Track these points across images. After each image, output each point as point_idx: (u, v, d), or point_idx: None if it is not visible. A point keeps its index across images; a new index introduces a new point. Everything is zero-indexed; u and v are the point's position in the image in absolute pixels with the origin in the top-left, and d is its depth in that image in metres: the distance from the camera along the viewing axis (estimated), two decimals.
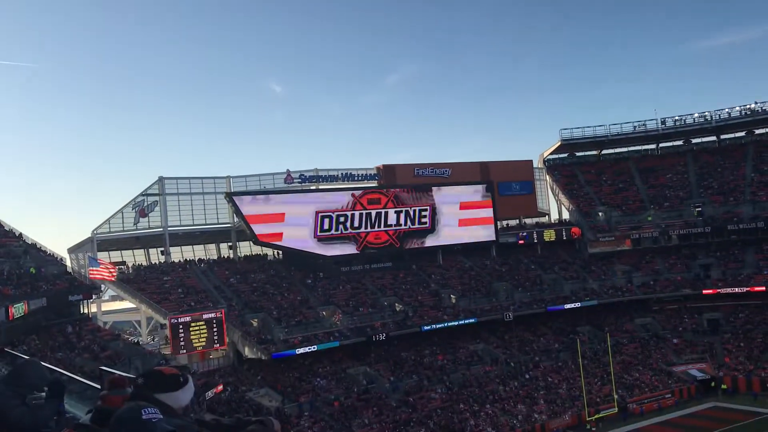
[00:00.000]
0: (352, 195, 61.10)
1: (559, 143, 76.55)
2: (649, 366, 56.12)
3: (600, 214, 72.72)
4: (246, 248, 61.93)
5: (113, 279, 49.02)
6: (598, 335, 59.61)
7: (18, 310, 31.14)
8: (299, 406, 45.15)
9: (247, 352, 47.73)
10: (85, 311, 44.63)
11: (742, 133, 76.19)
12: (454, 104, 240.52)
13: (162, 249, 57.85)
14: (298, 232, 57.86)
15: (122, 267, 54.29)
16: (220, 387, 42.87)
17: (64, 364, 27.22)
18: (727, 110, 72.29)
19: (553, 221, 75.96)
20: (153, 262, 58.00)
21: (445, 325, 55.04)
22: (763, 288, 58.42)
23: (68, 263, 50.31)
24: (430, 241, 64.61)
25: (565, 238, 70.28)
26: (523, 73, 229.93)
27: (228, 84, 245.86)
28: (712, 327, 60.56)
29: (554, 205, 77.66)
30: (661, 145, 79.50)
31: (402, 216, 62.86)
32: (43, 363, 4.93)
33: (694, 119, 73.70)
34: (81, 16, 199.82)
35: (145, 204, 55.83)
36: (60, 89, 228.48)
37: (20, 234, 44.30)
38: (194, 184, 58.52)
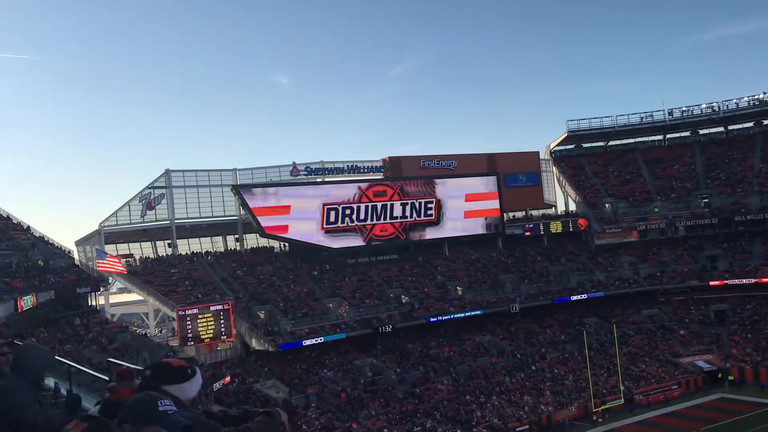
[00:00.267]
0: (358, 187, 61.13)
1: (566, 134, 76.24)
2: (656, 357, 56.03)
3: (607, 205, 72.46)
4: (252, 240, 62.10)
5: (122, 272, 49.21)
6: (605, 327, 59.55)
7: (26, 302, 31.34)
8: (306, 397, 45.33)
9: (255, 344, 47.92)
10: (93, 303, 44.84)
11: (750, 124, 75.66)
12: (460, 96, 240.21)
13: (169, 241, 58.08)
14: (304, 225, 57.97)
15: (129, 259, 54.51)
16: (228, 378, 43.11)
17: (72, 356, 27.38)
18: (735, 101, 71.79)
19: (559, 213, 75.77)
20: (160, 255, 58.26)
21: (452, 317, 55.09)
22: None
23: (76, 256, 50.59)
24: (436, 233, 64.60)
25: (571, 229, 70.10)
26: (529, 64, 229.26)
27: (235, 77, 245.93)
28: (719, 318, 60.39)
29: (561, 197, 77.55)
30: (668, 136, 79.09)
31: (408, 208, 62.85)
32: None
33: (701, 110, 73.24)
34: (87, 9, 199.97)
35: (152, 197, 55.99)
36: (67, 83, 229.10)
37: (28, 227, 44.51)
38: (201, 177, 58.64)
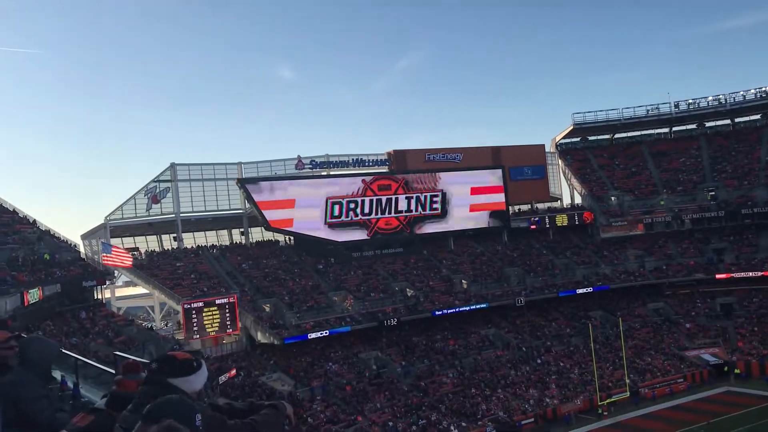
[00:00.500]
0: (363, 181, 61.11)
1: (572, 127, 75.98)
2: (662, 351, 55.95)
3: (612, 198, 72.28)
4: (258, 234, 62.17)
5: (129, 266, 49.31)
6: (610, 320, 59.48)
7: (33, 295, 31.44)
8: (311, 390, 45.45)
9: (260, 337, 48.05)
10: (99, 297, 44.98)
11: (757, 116, 75.27)
12: (465, 89, 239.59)
13: (174, 235, 58.17)
14: (309, 218, 58.02)
15: (135, 253, 54.63)
16: (234, 371, 43.23)
17: (78, 350, 27.50)
18: (741, 93, 71.44)
19: (565, 206, 75.57)
20: (166, 248, 58.37)
21: (457, 310, 55.10)
22: None
23: (82, 249, 50.70)
24: (441, 227, 64.56)
25: (577, 222, 69.95)
26: (535, 57, 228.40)
27: (239, 70, 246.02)
28: (726, 311, 60.23)
29: (566, 190, 77.38)
30: (674, 128, 78.76)
31: (413, 202, 62.82)
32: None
33: (708, 102, 72.93)
34: (92, 3, 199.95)
35: (158, 190, 56.09)
36: (73, 77, 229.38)
37: (34, 221, 44.64)
38: (206, 171, 58.68)
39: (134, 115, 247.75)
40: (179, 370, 3.11)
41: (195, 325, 45.82)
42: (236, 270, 55.71)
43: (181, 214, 57.06)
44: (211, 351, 46.56)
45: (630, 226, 68.58)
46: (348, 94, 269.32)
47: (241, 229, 61.50)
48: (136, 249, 56.41)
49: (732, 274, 60.40)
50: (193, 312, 45.93)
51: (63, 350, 6.91)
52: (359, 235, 60.59)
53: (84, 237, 56.36)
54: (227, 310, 46.98)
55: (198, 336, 46.05)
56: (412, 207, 62.79)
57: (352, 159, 63.55)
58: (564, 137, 78.43)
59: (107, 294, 53.54)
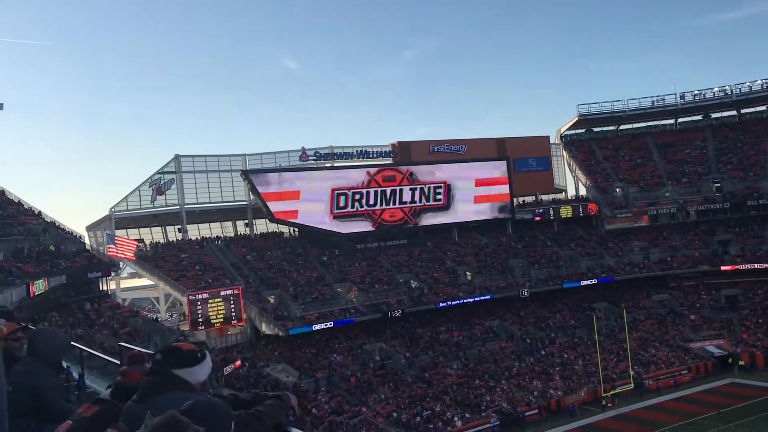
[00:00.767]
0: (367, 172, 61.09)
1: (577, 119, 75.77)
2: (666, 342, 55.94)
3: (617, 190, 72.08)
4: (262, 226, 62.19)
5: (132, 258, 49.45)
6: (615, 311, 59.47)
7: (38, 287, 31.53)
8: (316, 381, 45.60)
9: (264, 329, 48.19)
10: (104, 288, 45.10)
11: (763, 107, 74.86)
12: (470, 80, 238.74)
13: (179, 226, 58.30)
14: (313, 210, 58.07)
15: (140, 244, 54.75)
16: (238, 363, 43.37)
17: (84, 341, 27.61)
18: (747, 84, 71.07)
19: (569, 197, 75.41)
20: (170, 240, 58.51)
21: (461, 301, 55.15)
22: None
23: (87, 241, 50.85)
24: (445, 218, 64.54)
25: (581, 214, 69.81)
26: (539, 48, 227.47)
27: (243, 61, 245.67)
28: (731, 303, 60.15)
29: (571, 182, 77.22)
30: (679, 119, 78.46)
31: (417, 193, 62.78)
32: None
33: (713, 93, 72.62)
34: None
35: (162, 182, 56.16)
36: (78, 68, 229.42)
37: (39, 212, 44.72)
38: (210, 162, 58.71)
39: (139, 107, 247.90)
40: (184, 360, 3.11)
41: (200, 316, 45.98)
42: (241, 261, 55.83)
43: (186, 206, 57.13)
44: (216, 342, 46.72)
45: (635, 217, 68.43)
46: (352, 85, 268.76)
47: (246, 221, 61.57)
48: (141, 240, 56.54)
49: (737, 266, 60.28)
50: (198, 303, 46.08)
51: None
52: (364, 226, 60.62)
53: (89, 228, 56.53)
54: (232, 302, 47.11)
55: (203, 327, 46.20)
56: (417, 199, 62.75)
57: (357, 150, 63.47)
58: (569, 128, 78.21)
59: (112, 285, 53.60)
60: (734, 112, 76.25)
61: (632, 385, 48.51)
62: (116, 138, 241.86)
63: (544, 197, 73.75)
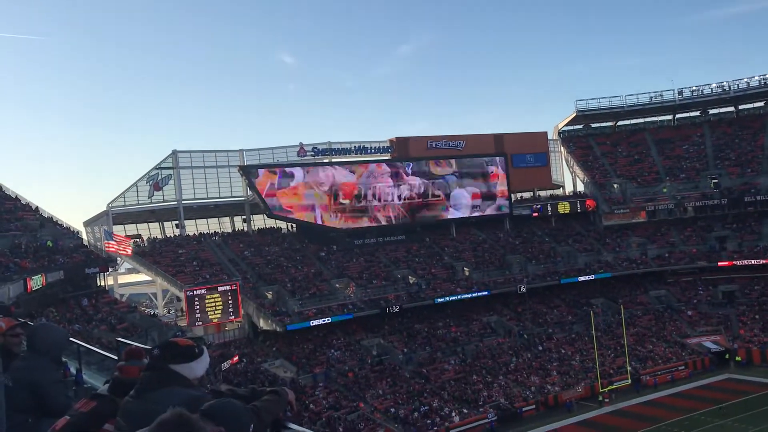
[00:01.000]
0: (365, 168, 61.04)
1: (575, 114, 75.75)
2: (663, 338, 56.04)
3: (615, 185, 72.13)
4: (260, 221, 62.23)
5: (129, 254, 49.38)
6: (612, 307, 59.58)
7: (36, 282, 31.51)
8: (314, 377, 45.64)
9: (262, 324, 48.20)
10: (102, 284, 45.12)
11: (761, 104, 74.90)
12: (468, 75, 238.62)
13: (176, 222, 58.26)
14: (311, 205, 58.11)
15: (138, 240, 54.71)
16: (236, 358, 43.43)
17: (81, 336, 27.61)
18: (745, 80, 70.99)
19: (567, 193, 75.47)
20: (168, 235, 58.47)
21: (459, 297, 55.19)
22: None
23: (84, 236, 50.79)
24: (443, 214, 64.56)
25: (579, 210, 69.89)
26: (537, 44, 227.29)
27: (240, 56, 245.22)
28: (728, 299, 60.26)
29: (569, 177, 77.27)
30: (677, 115, 78.50)
31: (415, 189, 62.76)
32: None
33: (711, 89, 72.56)
34: None
35: (160, 177, 56.09)
36: (75, 63, 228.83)
37: (36, 207, 44.68)
38: (208, 158, 58.65)
39: (136, 102, 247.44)
40: (181, 356, 3.11)
41: (197, 311, 45.94)
42: (238, 257, 55.81)
43: (183, 202, 57.09)
44: (214, 338, 46.74)
45: (632, 213, 68.50)
46: (350, 80, 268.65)
47: (243, 217, 61.55)
48: (139, 236, 56.53)
49: (734, 262, 60.37)
50: (196, 299, 46.06)
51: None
52: (362, 222, 60.63)
53: (86, 224, 56.45)
54: (229, 297, 47.08)
55: (200, 323, 46.18)
56: (415, 194, 62.75)
57: (355, 146, 63.44)
58: (567, 124, 78.20)
59: (110, 281, 53.64)
60: (732, 108, 76.28)
61: (629, 380, 48.56)
62: (114, 133, 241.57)
63: (542, 193, 73.78)
